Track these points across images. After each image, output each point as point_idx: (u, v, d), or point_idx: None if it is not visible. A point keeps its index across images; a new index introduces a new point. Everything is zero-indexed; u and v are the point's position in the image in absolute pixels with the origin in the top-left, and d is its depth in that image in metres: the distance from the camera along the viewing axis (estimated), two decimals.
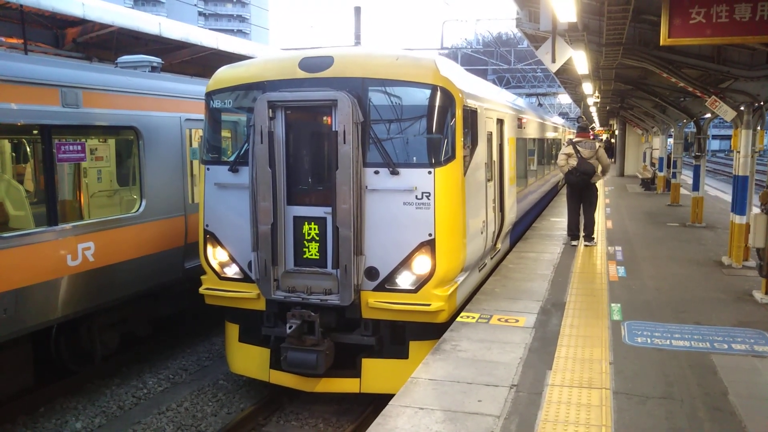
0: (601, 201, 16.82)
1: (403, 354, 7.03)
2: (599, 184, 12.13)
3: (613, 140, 40.02)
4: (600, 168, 11.42)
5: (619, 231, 13.63)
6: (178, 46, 13.83)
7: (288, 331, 6.70)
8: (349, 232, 6.65)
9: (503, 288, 8.57)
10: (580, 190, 11.57)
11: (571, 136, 14.88)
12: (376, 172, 6.77)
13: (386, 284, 6.83)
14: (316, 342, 6.77)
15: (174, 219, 8.99)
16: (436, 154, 6.83)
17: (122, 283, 8.17)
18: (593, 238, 11.82)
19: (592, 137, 12.54)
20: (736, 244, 10.01)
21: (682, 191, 19.77)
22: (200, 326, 10.41)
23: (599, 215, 14.29)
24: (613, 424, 4.66)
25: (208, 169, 7.50)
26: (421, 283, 6.75)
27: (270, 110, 6.85)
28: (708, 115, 16.18)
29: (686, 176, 25.98)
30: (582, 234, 11.84)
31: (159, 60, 10.05)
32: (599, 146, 11.73)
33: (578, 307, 7.70)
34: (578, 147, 11.29)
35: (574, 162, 11.26)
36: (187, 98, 9.37)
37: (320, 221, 6.92)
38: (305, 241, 7.00)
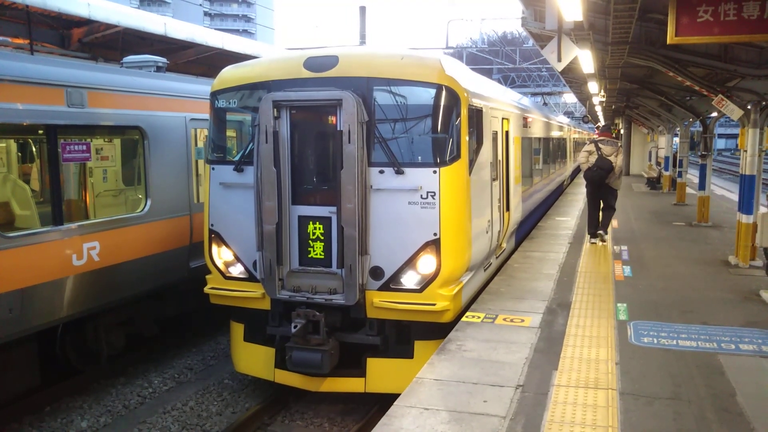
0: None
1: (408, 354, 7.02)
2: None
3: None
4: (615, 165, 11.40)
5: (625, 230, 13.58)
6: (183, 46, 13.85)
7: (293, 330, 6.69)
8: (354, 232, 6.64)
9: (508, 287, 8.54)
10: (599, 188, 11.58)
11: (591, 136, 14.87)
12: (381, 172, 6.75)
13: (391, 284, 6.82)
14: (321, 341, 6.77)
15: (179, 218, 8.99)
16: (441, 154, 6.81)
17: (127, 283, 8.18)
18: (604, 234, 11.80)
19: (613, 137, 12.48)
20: (743, 244, 9.96)
21: (688, 190, 19.70)
22: (206, 326, 10.42)
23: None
24: (619, 425, 4.63)
25: (213, 168, 7.51)
26: (426, 282, 6.73)
27: (275, 110, 6.84)
28: (714, 114, 16.10)
29: (692, 175, 25.90)
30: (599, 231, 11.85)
31: (164, 60, 10.06)
32: (620, 147, 11.78)
33: (584, 306, 7.67)
34: (600, 145, 11.34)
35: (594, 159, 11.29)
36: (192, 98, 9.37)
37: (325, 221, 6.92)
38: (310, 241, 7.00)
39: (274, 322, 7.27)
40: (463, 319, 7.14)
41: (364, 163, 6.68)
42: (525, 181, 11.86)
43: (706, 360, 5.94)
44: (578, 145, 31.03)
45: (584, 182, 12.10)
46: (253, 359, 7.64)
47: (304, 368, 6.88)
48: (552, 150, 18.19)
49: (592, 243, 11.76)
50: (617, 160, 11.30)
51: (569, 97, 42.55)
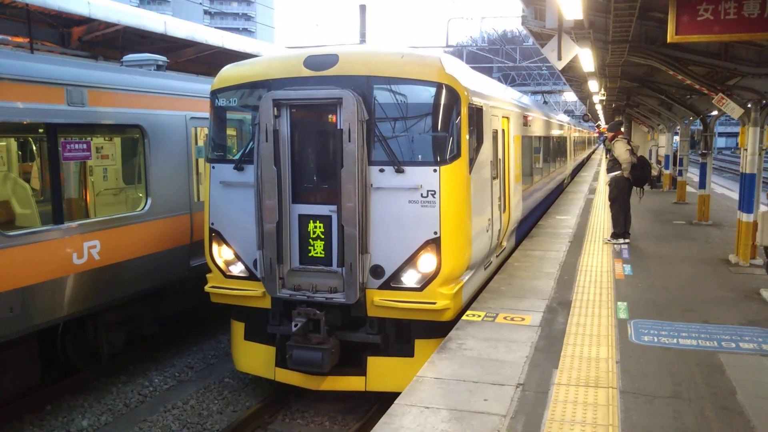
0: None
1: (408, 352, 7.02)
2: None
3: None
4: None
5: None
6: (183, 44, 13.85)
7: (293, 329, 6.69)
8: (355, 231, 6.64)
9: (509, 286, 8.54)
10: (634, 188, 11.62)
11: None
12: (382, 171, 6.75)
13: (391, 282, 6.82)
14: (321, 340, 6.77)
15: (179, 217, 8.99)
16: (441, 152, 6.80)
17: (128, 281, 8.18)
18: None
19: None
20: (743, 242, 9.97)
21: (689, 189, 19.69)
22: (206, 324, 10.42)
23: (607, 213, 14.27)
24: (620, 423, 4.63)
25: (213, 167, 7.51)
26: (427, 281, 6.73)
27: (275, 108, 6.84)
28: (715, 113, 16.10)
29: (692, 174, 25.89)
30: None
31: (164, 58, 10.06)
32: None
33: (584, 305, 7.67)
34: (632, 144, 11.45)
35: (633, 158, 11.30)
36: (192, 97, 9.37)
37: (325, 219, 6.91)
38: (310, 240, 7.00)
39: (275, 321, 7.27)
40: (464, 317, 7.14)
41: (364, 162, 6.68)
42: (525, 179, 11.85)
43: (707, 358, 5.94)
44: (578, 143, 30.99)
45: (582, 180, 12.13)
46: (254, 358, 7.65)
47: (304, 367, 6.88)
48: (552, 149, 18.18)
49: (626, 243, 11.59)
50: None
51: (569, 96, 42.55)
